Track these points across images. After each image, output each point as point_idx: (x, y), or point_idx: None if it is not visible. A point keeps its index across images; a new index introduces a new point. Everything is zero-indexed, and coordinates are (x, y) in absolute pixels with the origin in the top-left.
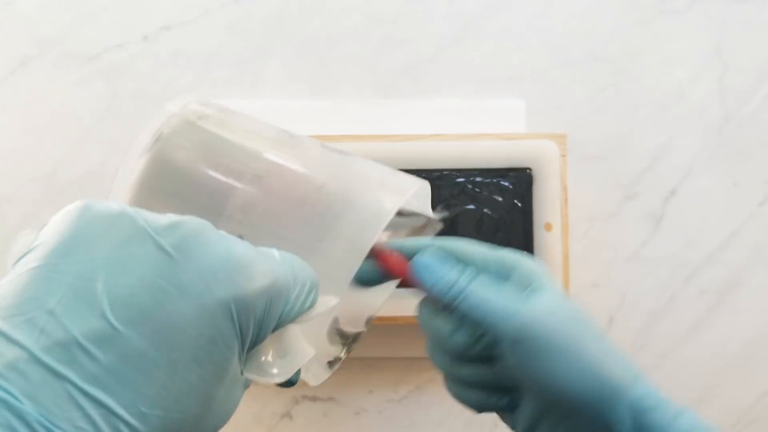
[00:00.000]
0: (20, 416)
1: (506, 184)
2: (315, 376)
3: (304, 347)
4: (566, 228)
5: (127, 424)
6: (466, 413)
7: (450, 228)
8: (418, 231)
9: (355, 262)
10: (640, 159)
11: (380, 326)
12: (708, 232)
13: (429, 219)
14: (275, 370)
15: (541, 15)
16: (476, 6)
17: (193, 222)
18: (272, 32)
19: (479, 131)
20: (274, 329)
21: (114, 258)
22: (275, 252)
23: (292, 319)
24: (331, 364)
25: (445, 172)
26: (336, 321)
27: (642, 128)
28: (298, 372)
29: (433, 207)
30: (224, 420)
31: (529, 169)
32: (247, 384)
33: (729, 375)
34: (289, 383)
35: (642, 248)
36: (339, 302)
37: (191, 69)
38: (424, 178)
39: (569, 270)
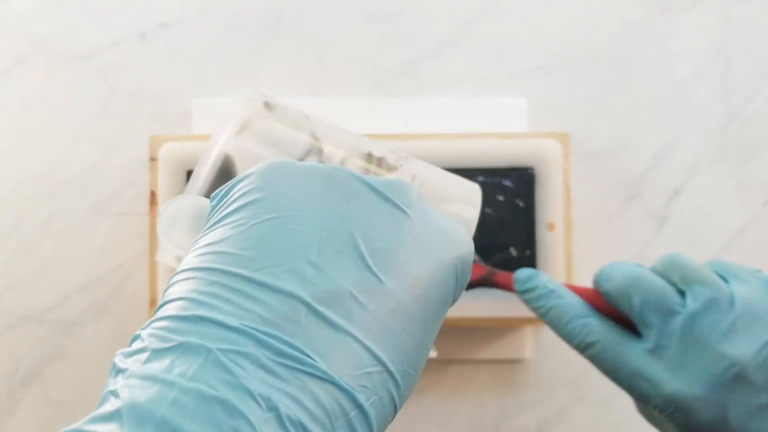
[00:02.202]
0: (315, 376)
1: (508, 183)
2: None
3: None
4: (569, 228)
5: (396, 385)
6: (467, 417)
7: None
8: None
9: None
10: (644, 158)
11: None
12: (712, 232)
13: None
14: None
15: (543, 12)
16: (478, 3)
17: (406, 182)
18: (271, 29)
19: (481, 130)
20: None
21: (355, 212)
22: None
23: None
24: None
25: None
26: None
27: (645, 127)
28: None
29: None
30: None
31: (532, 168)
32: None
33: None
34: None
35: (646, 248)
36: None
37: (189, 67)
38: None
39: (572, 271)
